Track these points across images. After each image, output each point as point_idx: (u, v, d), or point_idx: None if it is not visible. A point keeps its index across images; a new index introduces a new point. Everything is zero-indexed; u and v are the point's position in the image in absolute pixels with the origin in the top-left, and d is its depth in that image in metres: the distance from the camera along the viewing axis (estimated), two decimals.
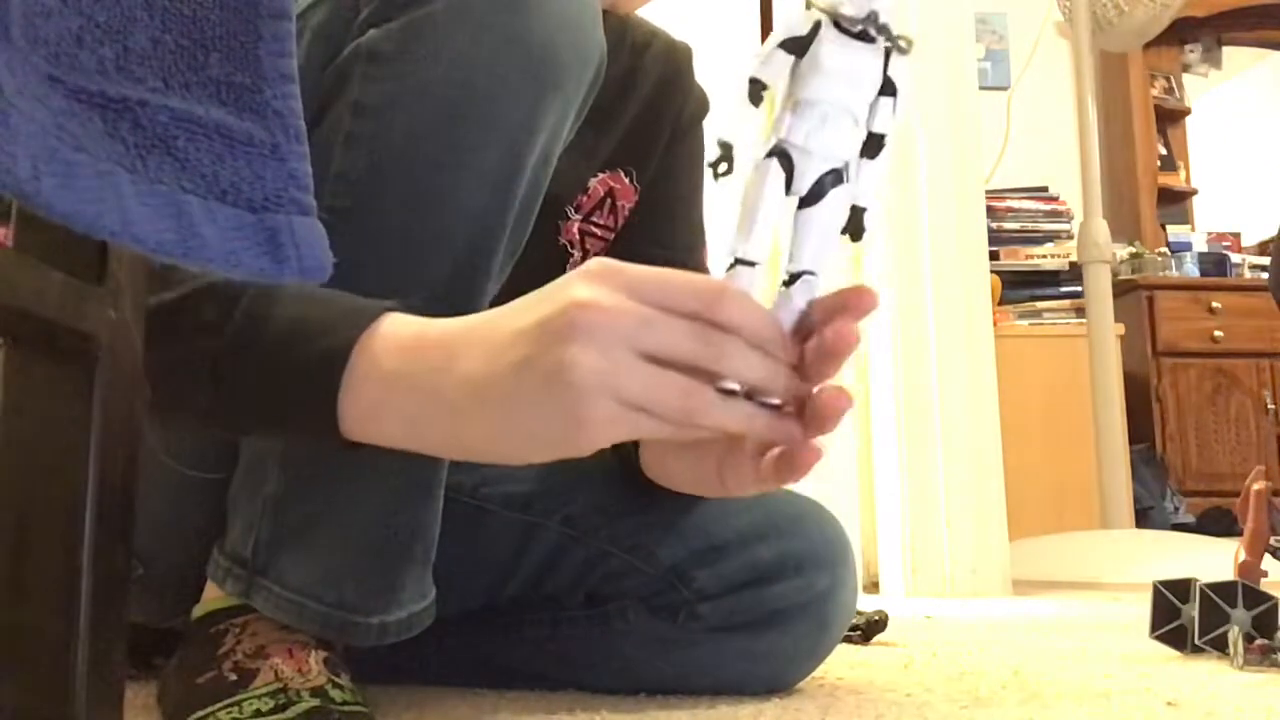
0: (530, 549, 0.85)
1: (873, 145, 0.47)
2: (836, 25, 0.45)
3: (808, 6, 0.46)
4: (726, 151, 0.46)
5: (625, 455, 0.75)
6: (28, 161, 0.27)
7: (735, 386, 0.48)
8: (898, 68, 0.47)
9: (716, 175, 0.47)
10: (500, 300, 0.68)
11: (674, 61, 0.97)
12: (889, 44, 0.46)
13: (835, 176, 0.47)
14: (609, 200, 0.91)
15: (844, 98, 0.46)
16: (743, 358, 0.47)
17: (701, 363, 0.47)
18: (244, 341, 0.56)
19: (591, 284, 0.48)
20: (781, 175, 0.47)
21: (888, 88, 0.47)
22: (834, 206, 0.47)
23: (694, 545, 0.82)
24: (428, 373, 0.52)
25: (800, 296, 0.48)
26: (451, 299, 0.63)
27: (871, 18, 0.45)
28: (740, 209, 0.47)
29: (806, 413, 0.49)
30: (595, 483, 0.86)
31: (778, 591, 0.81)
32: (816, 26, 0.46)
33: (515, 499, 0.85)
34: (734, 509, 0.82)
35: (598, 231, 0.91)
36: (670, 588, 0.82)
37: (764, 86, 0.47)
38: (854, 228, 0.48)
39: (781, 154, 0.47)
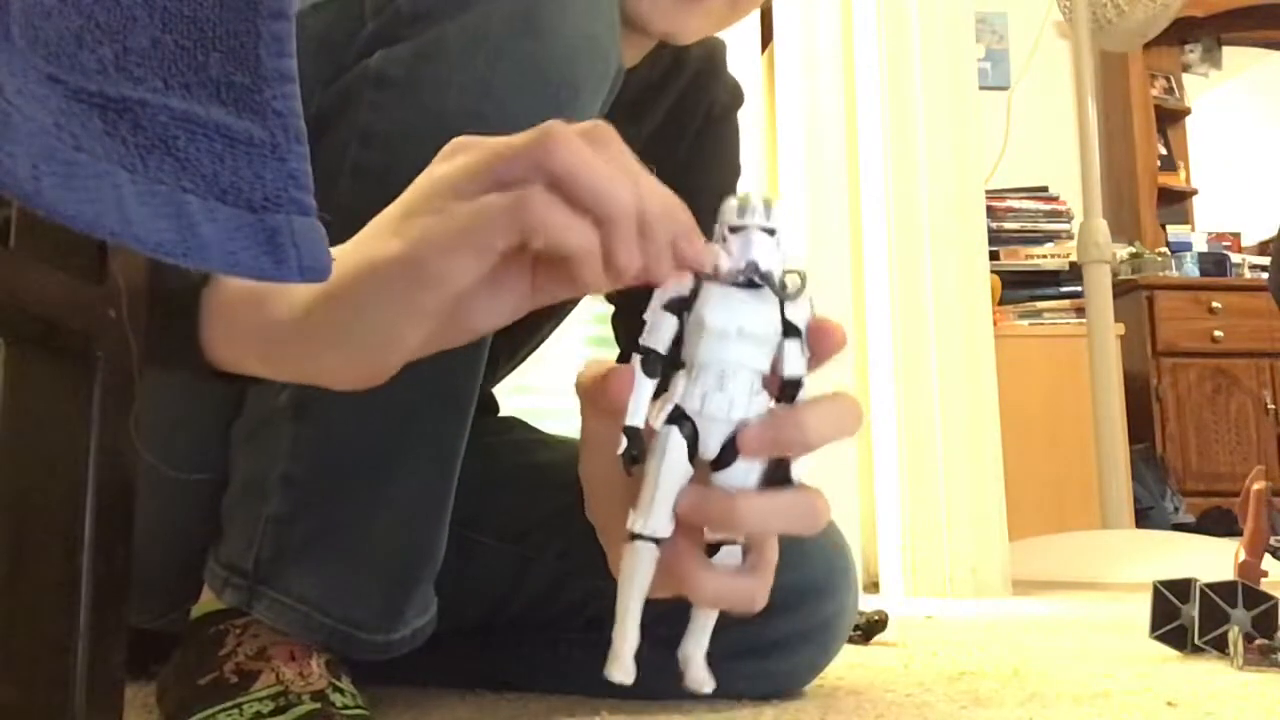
0: (526, 582, 0.84)
1: (789, 391, 0.43)
2: (717, 280, 0.42)
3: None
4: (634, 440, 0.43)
5: None
6: (28, 161, 0.27)
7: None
8: (796, 309, 0.43)
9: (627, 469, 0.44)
10: None
11: (709, 55, 0.96)
12: (780, 290, 0.43)
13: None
14: None
15: (738, 354, 0.42)
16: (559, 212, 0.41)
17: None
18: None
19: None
20: (683, 443, 0.42)
21: (789, 330, 0.43)
22: (749, 467, 0.43)
23: None
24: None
25: (726, 560, 0.45)
26: None
27: (751, 267, 0.42)
28: (642, 480, 0.43)
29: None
30: None
31: (779, 623, 0.80)
32: (699, 284, 0.43)
33: (508, 530, 0.84)
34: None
35: None
36: (671, 618, 0.82)
37: (659, 355, 0.43)
38: (780, 477, 0.44)
39: (681, 420, 0.43)
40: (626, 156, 0.43)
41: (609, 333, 1.00)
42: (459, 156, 0.44)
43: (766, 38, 2.71)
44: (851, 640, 1.21)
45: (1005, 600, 2.04)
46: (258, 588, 0.65)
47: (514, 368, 1.06)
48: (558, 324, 1.04)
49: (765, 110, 2.80)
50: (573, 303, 1.00)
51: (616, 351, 0.95)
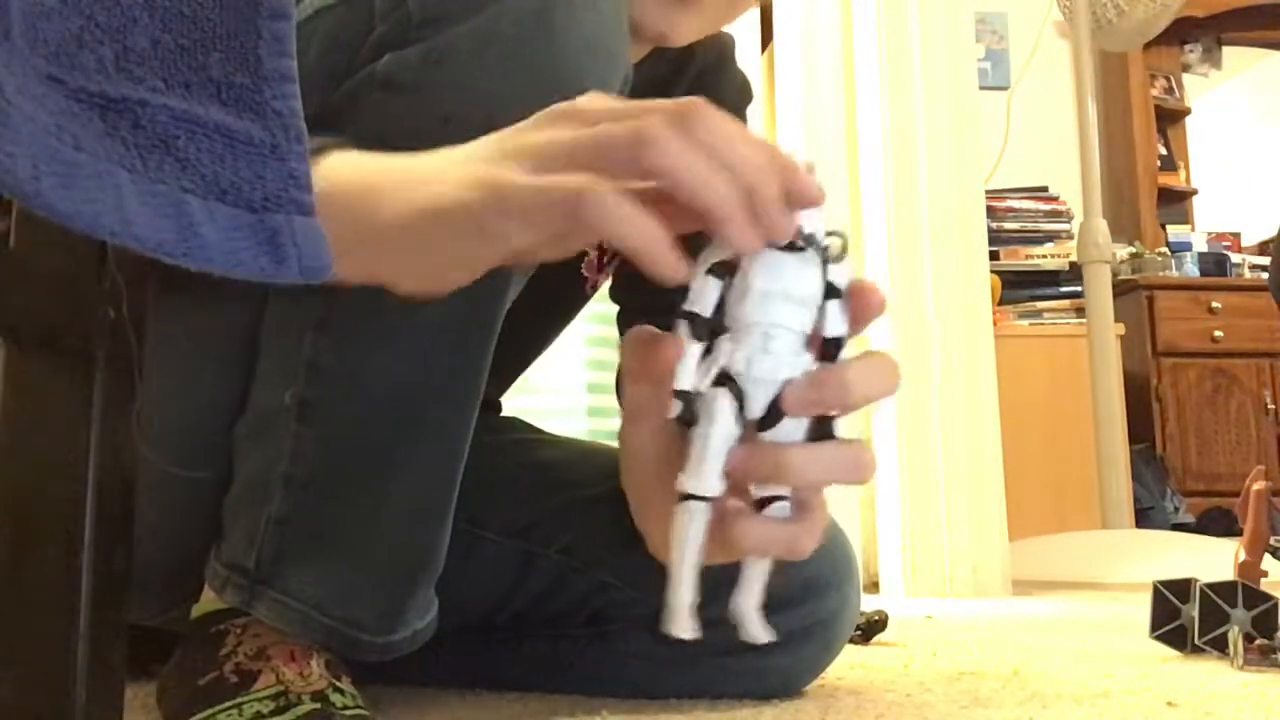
0: (529, 577, 0.84)
1: (831, 350, 0.45)
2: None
3: None
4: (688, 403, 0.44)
5: None
6: (28, 162, 0.27)
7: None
8: (838, 271, 0.44)
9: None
10: (515, 300, 0.67)
11: (718, 52, 0.95)
12: (820, 252, 0.44)
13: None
14: None
15: (782, 316, 0.43)
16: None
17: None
18: None
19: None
20: (730, 404, 0.44)
21: (831, 291, 0.44)
22: (794, 425, 0.44)
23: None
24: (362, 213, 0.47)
25: (775, 515, 0.46)
26: (472, 309, 0.62)
27: (795, 231, 0.43)
28: (690, 442, 0.44)
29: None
30: (595, 511, 0.85)
31: (783, 618, 0.80)
32: None
33: (512, 526, 0.84)
34: None
35: None
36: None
37: (705, 319, 0.44)
38: (824, 433, 0.45)
39: (727, 382, 0.44)
40: (719, 133, 0.43)
41: (609, 332, 1.00)
42: (557, 126, 0.45)
43: (766, 38, 2.71)
44: (851, 640, 1.21)
45: (1005, 600, 2.04)
46: (258, 587, 0.65)
47: (521, 372, 1.06)
48: (564, 328, 1.04)
49: (765, 110, 2.80)
50: (580, 306, 1.00)
51: (617, 352, 0.95)
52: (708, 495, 0.44)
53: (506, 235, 0.44)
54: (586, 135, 0.43)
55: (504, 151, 0.45)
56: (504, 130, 0.47)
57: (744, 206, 0.42)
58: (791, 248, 0.43)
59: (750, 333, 0.44)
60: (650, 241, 0.42)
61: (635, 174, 0.42)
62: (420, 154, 0.48)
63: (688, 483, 0.44)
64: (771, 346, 0.44)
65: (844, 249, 0.44)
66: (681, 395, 0.44)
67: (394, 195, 0.46)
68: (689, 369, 0.44)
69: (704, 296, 0.44)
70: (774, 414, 0.44)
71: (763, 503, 0.46)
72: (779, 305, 0.43)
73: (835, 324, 0.44)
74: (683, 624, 0.45)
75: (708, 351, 0.45)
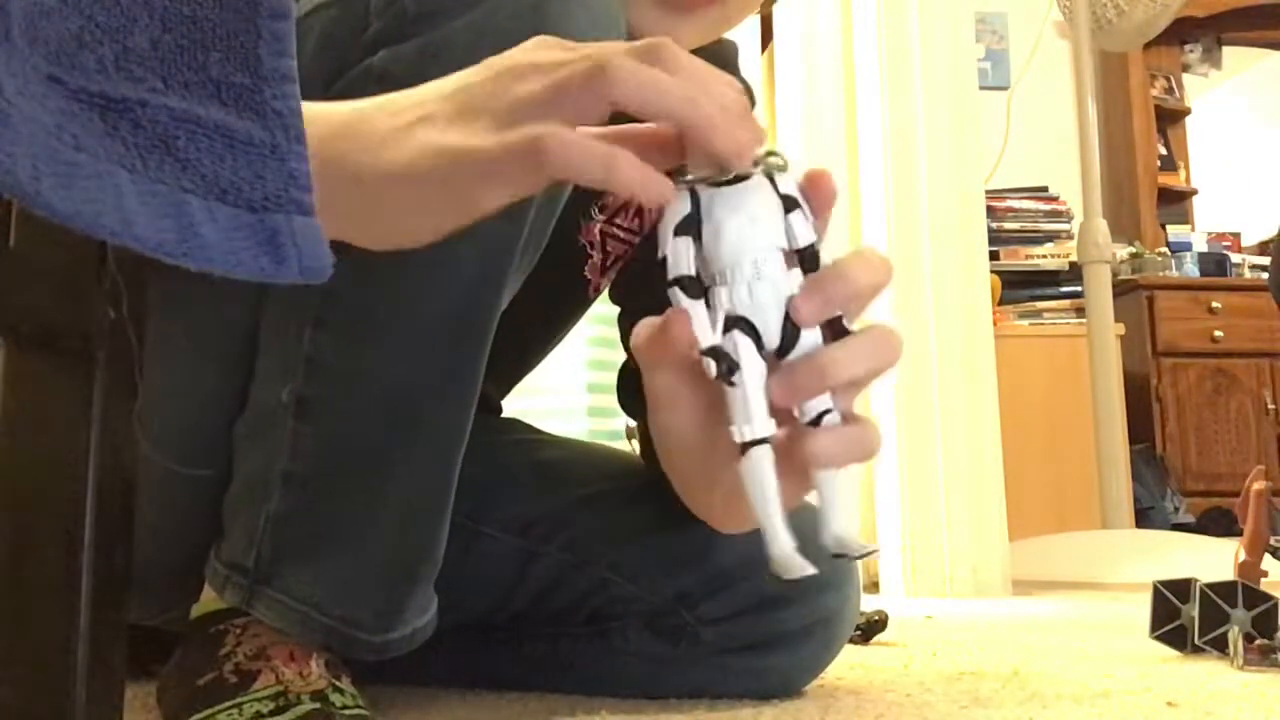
0: (529, 575, 0.84)
1: (808, 260, 0.46)
2: (711, 184, 0.45)
3: (677, 183, 0.45)
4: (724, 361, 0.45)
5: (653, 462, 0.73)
6: (28, 162, 0.27)
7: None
8: (785, 181, 0.46)
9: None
10: (516, 302, 0.67)
11: (721, 57, 0.95)
12: (765, 171, 0.45)
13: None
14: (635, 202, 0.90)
15: (759, 240, 0.45)
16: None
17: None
18: None
19: None
20: (750, 343, 0.45)
21: (788, 204, 0.46)
22: (813, 340, 0.45)
23: (698, 574, 0.81)
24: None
25: (830, 422, 0.47)
26: (468, 307, 0.62)
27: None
28: (727, 395, 0.45)
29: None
30: (595, 508, 0.85)
31: (783, 616, 0.81)
32: (694, 196, 0.45)
33: (513, 523, 0.84)
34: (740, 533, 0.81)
35: (620, 234, 0.90)
36: (673, 612, 0.81)
37: (692, 278, 0.45)
38: (836, 332, 0.47)
39: (738, 323, 0.45)
40: (683, 64, 0.43)
41: (610, 333, 1.00)
42: (517, 82, 0.44)
43: (766, 38, 2.71)
44: (851, 640, 1.21)
45: (1005, 600, 2.04)
46: (257, 586, 0.65)
47: (523, 375, 1.06)
48: (567, 332, 1.04)
49: (765, 110, 2.80)
50: (583, 310, 1.00)
51: (617, 352, 0.95)
52: (766, 436, 0.45)
53: (475, 198, 0.44)
54: (547, 83, 0.43)
55: (462, 112, 0.44)
56: (457, 80, 0.46)
57: (721, 113, 0.42)
58: (737, 179, 0.45)
59: (739, 268, 0.45)
60: (617, 166, 0.42)
61: (601, 108, 0.42)
62: (368, 104, 0.47)
63: (744, 430, 0.45)
64: (764, 271, 0.45)
65: (784, 161, 0.46)
66: (711, 352, 0.45)
67: (357, 158, 0.45)
68: (704, 326, 0.45)
69: (682, 258, 0.45)
70: (791, 332, 0.45)
71: (813, 425, 0.46)
72: (752, 231, 0.45)
73: (803, 232, 0.46)
74: (796, 565, 0.46)
75: (708, 308, 0.46)
